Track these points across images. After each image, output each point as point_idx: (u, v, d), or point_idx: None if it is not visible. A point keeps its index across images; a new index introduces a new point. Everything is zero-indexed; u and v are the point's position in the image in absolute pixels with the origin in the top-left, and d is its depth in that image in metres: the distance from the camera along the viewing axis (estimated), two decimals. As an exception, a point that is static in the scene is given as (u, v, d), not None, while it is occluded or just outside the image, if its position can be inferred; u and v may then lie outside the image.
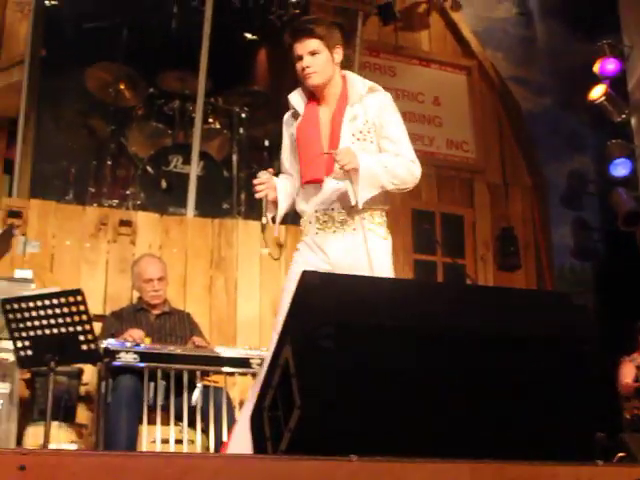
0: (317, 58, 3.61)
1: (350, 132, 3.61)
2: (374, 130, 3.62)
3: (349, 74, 3.76)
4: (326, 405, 2.14)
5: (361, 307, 2.19)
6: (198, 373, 4.90)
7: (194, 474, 1.86)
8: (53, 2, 7.08)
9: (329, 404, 2.14)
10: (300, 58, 3.63)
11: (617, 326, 6.66)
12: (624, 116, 8.42)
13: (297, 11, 7.60)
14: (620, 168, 8.33)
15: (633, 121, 8.45)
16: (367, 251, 3.49)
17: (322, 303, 2.16)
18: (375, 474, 1.96)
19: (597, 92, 8.41)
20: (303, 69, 3.63)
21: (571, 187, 8.74)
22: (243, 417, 3.50)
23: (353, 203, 3.49)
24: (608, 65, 8.40)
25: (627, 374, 6.38)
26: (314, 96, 3.75)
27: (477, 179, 8.10)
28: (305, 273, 2.16)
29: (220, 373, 5.04)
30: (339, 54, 3.69)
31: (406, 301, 2.26)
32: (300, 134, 3.73)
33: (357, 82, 3.72)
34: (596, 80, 8.48)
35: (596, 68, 8.44)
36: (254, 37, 8.08)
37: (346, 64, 3.81)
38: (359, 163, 3.43)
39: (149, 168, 6.98)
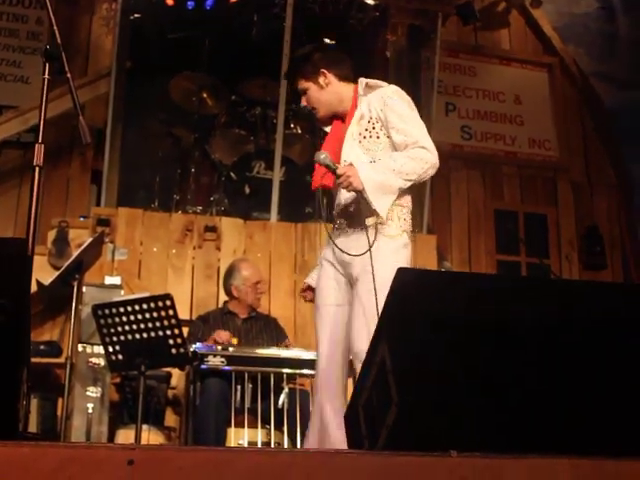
0: (308, 95, 3.78)
1: (357, 132, 3.64)
2: (380, 125, 3.61)
3: (359, 81, 3.75)
4: (423, 402, 2.14)
5: (458, 303, 2.19)
6: (284, 376, 4.94)
7: (296, 469, 1.88)
8: (137, 15, 7.22)
9: (426, 401, 2.15)
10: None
11: None
12: None
13: (377, 13, 7.62)
14: None
15: None
16: (370, 251, 3.43)
17: (418, 299, 2.17)
18: (474, 470, 1.96)
19: (682, 85, 8.24)
20: (306, 107, 3.86)
21: (656, 183, 8.57)
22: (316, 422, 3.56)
23: (378, 216, 3.50)
24: (692, 57, 8.23)
25: None
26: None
27: (560, 178, 8.00)
28: (400, 270, 2.17)
29: (306, 376, 5.07)
30: (325, 75, 3.73)
31: (503, 297, 2.24)
32: (323, 147, 3.76)
33: (361, 85, 3.73)
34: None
35: (680, 60, 8.28)
36: (332, 42, 8.12)
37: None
38: (361, 182, 3.41)
39: (232, 174, 7.08)
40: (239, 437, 4.80)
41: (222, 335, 5.09)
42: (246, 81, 7.50)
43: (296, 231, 6.43)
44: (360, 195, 3.45)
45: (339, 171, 3.45)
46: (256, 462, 1.86)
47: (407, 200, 3.64)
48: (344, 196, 3.65)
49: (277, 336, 5.55)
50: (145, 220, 6.25)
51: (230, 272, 5.63)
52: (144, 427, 4.70)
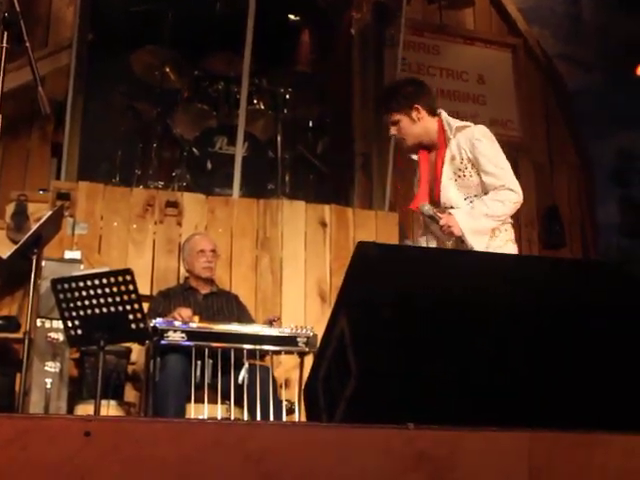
0: (399, 127, 4.11)
1: (451, 171, 4.02)
2: (471, 166, 3.99)
3: (442, 116, 4.12)
4: (382, 374, 2.15)
5: (418, 277, 2.20)
6: (245, 352, 4.93)
7: (252, 442, 1.88)
8: (100, -14, 7.12)
9: (385, 373, 2.15)
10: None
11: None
12: (672, 92, 8.31)
13: (341, -8, 7.59)
14: (668, 144, 8.24)
15: (682, 97, 8.34)
16: None
17: (378, 273, 2.17)
18: (431, 442, 1.97)
19: (644, 68, 8.32)
20: (394, 136, 4.24)
21: (618, 164, 8.65)
22: None
23: None
24: (655, 40, 8.30)
25: None
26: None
27: (522, 158, 8.02)
28: (361, 244, 2.17)
29: (266, 352, 5.07)
30: (419, 110, 4.08)
31: (463, 272, 2.26)
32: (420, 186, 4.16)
33: (449, 124, 4.08)
34: (643, 55, 8.39)
35: (643, 43, 8.35)
36: (297, 18, 8.08)
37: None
38: (460, 229, 3.85)
39: (195, 150, 7.04)
40: (199, 413, 4.78)
41: (183, 312, 5.06)
42: (209, 56, 7.44)
43: (258, 207, 6.40)
44: (460, 239, 3.87)
45: (441, 222, 3.88)
46: (213, 434, 1.86)
47: (506, 220, 4.03)
48: None
49: (238, 313, 5.54)
50: (106, 194, 6.19)
51: (183, 246, 5.67)
52: (103, 402, 4.66)
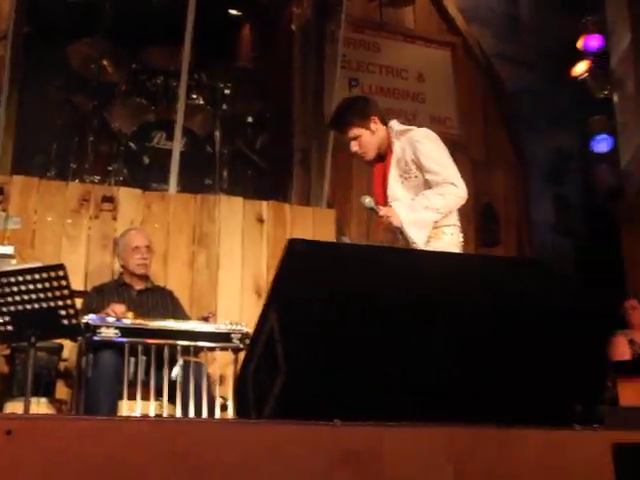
0: (360, 141, 4.21)
1: (397, 174, 4.14)
2: (415, 167, 4.09)
3: (390, 124, 4.25)
4: (310, 370, 2.15)
5: (346, 274, 2.20)
6: (179, 348, 4.88)
7: (181, 439, 1.87)
8: (36, -22, 7.01)
9: (313, 369, 2.15)
10: (348, 142, 4.26)
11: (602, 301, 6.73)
12: (606, 92, 8.48)
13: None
14: (602, 144, 8.40)
15: (615, 97, 8.50)
16: None
17: (309, 270, 2.17)
18: (358, 438, 1.98)
19: (580, 68, 8.47)
20: (355, 153, 4.27)
21: (553, 163, 8.79)
22: None
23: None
24: (591, 41, 8.47)
25: (622, 349, 6.48)
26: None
27: (460, 155, 8.03)
28: (291, 240, 2.16)
29: (200, 348, 5.03)
30: (376, 121, 4.20)
31: (391, 269, 2.27)
32: (374, 188, 4.31)
33: (393, 129, 4.23)
34: (579, 56, 8.53)
35: (579, 44, 8.50)
36: (238, 13, 8.05)
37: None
38: (400, 220, 3.94)
39: (132, 144, 6.97)
40: (132, 409, 4.72)
41: (117, 308, 4.99)
42: (148, 49, 7.39)
43: (195, 202, 6.34)
44: (399, 230, 3.94)
45: (381, 213, 3.97)
46: (140, 431, 1.84)
47: (450, 221, 4.11)
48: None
49: (173, 309, 5.49)
50: (40, 188, 6.07)
51: (117, 242, 5.61)
52: (33, 400, 4.58)
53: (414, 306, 2.26)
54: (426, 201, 3.98)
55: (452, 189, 4.00)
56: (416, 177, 4.10)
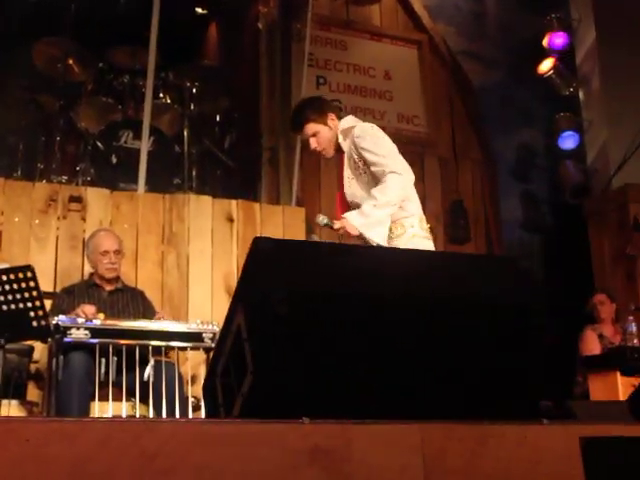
0: (319, 137, 4.24)
1: (350, 171, 4.21)
2: (362, 163, 4.14)
3: (341, 122, 4.29)
4: (278, 370, 2.16)
5: (313, 273, 2.21)
6: (150, 348, 4.87)
7: (147, 439, 1.87)
8: (-3, -23, 6.96)
9: (281, 369, 2.16)
10: (307, 141, 4.30)
11: (568, 296, 6.83)
12: (572, 89, 8.56)
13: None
14: (568, 141, 8.48)
15: (581, 94, 8.59)
16: None
17: (275, 269, 2.18)
18: (326, 436, 1.99)
19: (546, 65, 8.54)
20: (314, 150, 4.29)
21: (520, 160, 8.86)
22: None
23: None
24: (556, 39, 8.54)
25: (592, 344, 6.55)
26: None
27: (428, 153, 8.14)
28: (257, 239, 2.17)
29: (172, 348, 5.02)
30: (333, 118, 4.26)
31: (357, 267, 2.28)
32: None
33: (340, 128, 4.27)
34: (545, 54, 8.60)
35: (545, 42, 8.56)
36: (204, 11, 8.02)
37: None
38: (355, 228, 3.95)
39: (99, 143, 6.92)
40: (104, 411, 4.71)
41: (87, 309, 4.96)
42: (114, 48, 7.34)
43: (164, 202, 6.31)
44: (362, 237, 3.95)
45: (336, 227, 4.02)
46: (106, 432, 1.84)
47: (409, 212, 4.14)
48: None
49: (144, 309, 5.47)
50: (7, 189, 6.02)
51: (87, 243, 5.58)
52: (4, 402, 4.56)
53: (381, 304, 2.27)
54: (373, 201, 3.99)
55: (395, 177, 4.02)
56: (365, 173, 4.16)
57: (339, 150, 4.29)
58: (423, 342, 2.30)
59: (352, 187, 4.21)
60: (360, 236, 3.97)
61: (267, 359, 2.13)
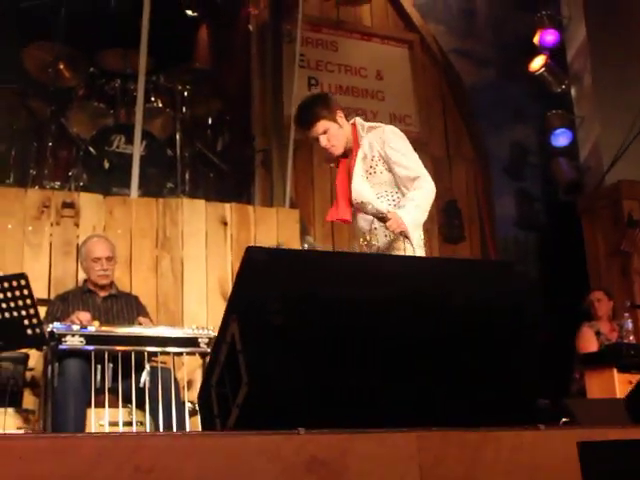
0: (329, 134, 4.18)
1: (362, 169, 4.14)
2: (382, 162, 4.11)
3: (356, 121, 4.28)
4: (273, 380, 2.15)
5: (307, 282, 2.20)
6: (146, 354, 4.86)
7: (142, 453, 1.86)
8: (-14, -18, 6.93)
9: (276, 379, 2.15)
10: (317, 139, 4.22)
11: (563, 293, 6.83)
12: (564, 86, 8.57)
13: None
14: (560, 138, 8.49)
15: (573, 91, 8.60)
16: None
17: (268, 279, 2.17)
18: (323, 446, 1.98)
19: (537, 63, 8.55)
20: (325, 148, 4.24)
21: (513, 158, 8.86)
22: None
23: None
24: (547, 36, 8.54)
25: (589, 341, 6.56)
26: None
27: (420, 152, 8.05)
28: (250, 249, 2.16)
29: (168, 354, 5.01)
30: (341, 115, 4.22)
31: (352, 276, 2.27)
32: (336, 184, 4.32)
33: (362, 125, 4.24)
34: (536, 51, 8.60)
35: (536, 39, 8.57)
36: (195, 14, 8.00)
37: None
38: (404, 223, 3.88)
39: (91, 149, 6.89)
40: (100, 417, 4.70)
41: (81, 316, 4.95)
42: (105, 52, 7.32)
43: (157, 206, 6.29)
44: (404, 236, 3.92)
45: (389, 215, 3.90)
46: (100, 447, 1.82)
47: None
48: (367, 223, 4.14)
49: (138, 315, 5.45)
50: (-1, 196, 6.02)
51: (80, 249, 5.56)
52: (0, 410, 4.55)
53: (376, 311, 2.26)
54: (413, 202, 3.97)
55: (425, 184, 4.04)
56: (381, 173, 4.11)
57: (346, 148, 4.26)
58: (419, 348, 2.29)
59: (361, 186, 4.15)
60: (402, 234, 3.92)
61: (262, 370, 2.12)
